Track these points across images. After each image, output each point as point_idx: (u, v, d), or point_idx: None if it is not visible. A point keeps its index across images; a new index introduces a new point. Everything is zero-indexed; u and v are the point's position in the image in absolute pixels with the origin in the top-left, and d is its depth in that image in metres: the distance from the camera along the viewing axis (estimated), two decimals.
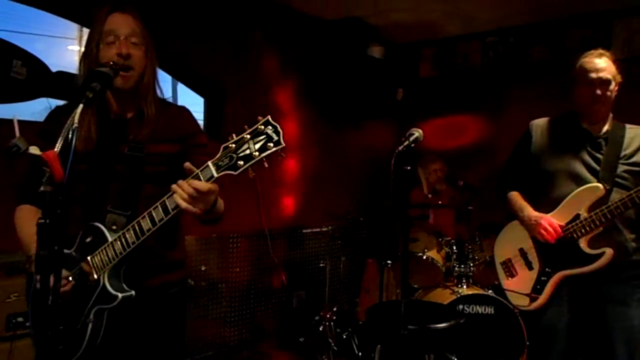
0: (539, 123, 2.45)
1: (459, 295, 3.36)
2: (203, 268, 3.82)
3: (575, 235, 2.22)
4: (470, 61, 4.95)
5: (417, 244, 3.74)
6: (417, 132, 2.06)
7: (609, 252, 2.15)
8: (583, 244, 2.21)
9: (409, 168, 1.99)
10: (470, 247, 3.65)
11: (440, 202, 4.04)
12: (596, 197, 2.19)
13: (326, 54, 4.53)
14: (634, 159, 2.22)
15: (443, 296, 3.44)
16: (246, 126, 1.44)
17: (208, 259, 3.83)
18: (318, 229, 3.78)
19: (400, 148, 2.01)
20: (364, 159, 4.73)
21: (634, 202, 2.09)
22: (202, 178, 1.49)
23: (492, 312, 3.36)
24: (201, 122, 4.05)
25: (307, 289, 4.37)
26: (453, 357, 2.75)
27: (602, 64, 2.24)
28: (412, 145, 2.01)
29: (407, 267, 2.12)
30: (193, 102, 4.37)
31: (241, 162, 1.42)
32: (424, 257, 3.66)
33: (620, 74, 2.29)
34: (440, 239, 3.75)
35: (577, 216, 2.23)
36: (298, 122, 4.33)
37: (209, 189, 1.48)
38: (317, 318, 3.67)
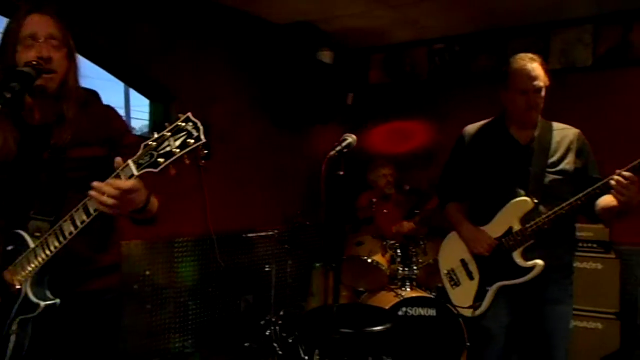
0: (470, 131, 2.46)
1: (402, 298, 3.42)
2: (148, 273, 3.74)
3: (509, 248, 2.28)
4: (417, 68, 5.05)
5: (362, 247, 3.78)
6: (351, 138, 2.07)
7: (539, 265, 2.21)
8: (517, 256, 2.26)
9: (342, 173, 2.01)
10: (414, 250, 3.71)
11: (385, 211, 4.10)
12: (526, 210, 2.24)
13: (277, 59, 4.53)
14: (560, 167, 2.27)
15: (387, 299, 3.48)
16: (167, 124, 1.44)
17: (153, 263, 3.76)
18: (265, 233, 3.76)
19: (332, 153, 2.02)
20: (312, 163, 4.73)
21: (560, 218, 2.16)
22: (122, 177, 1.46)
23: (435, 314, 3.43)
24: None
25: (255, 294, 4.34)
26: None
27: (535, 72, 2.24)
28: (345, 150, 2.03)
29: (339, 272, 2.13)
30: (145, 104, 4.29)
31: (162, 160, 1.41)
32: (369, 261, 3.69)
33: (553, 81, 2.30)
34: (385, 243, 3.80)
35: (510, 230, 2.27)
36: (247, 125, 4.30)
37: (132, 186, 1.45)
38: (262, 323, 3.65)
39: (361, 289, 3.86)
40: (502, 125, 2.38)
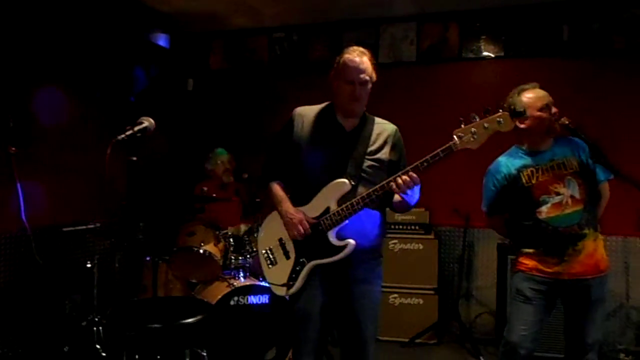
0: (302, 112, 2.48)
1: (233, 287, 3.37)
2: None
3: (324, 227, 2.35)
4: (258, 55, 5.03)
5: (193, 237, 3.66)
6: (148, 122, 1.94)
7: (350, 244, 2.28)
8: (331, 235, 2.32)
9: (134, 159, 1.88)
10: (247, 238, 3.69)
11: (215, 195, 4.02)
12: (343, 191, 2.31)
13: (102, 38, 4.17)
14: (377, 156, 2.39)
15: (219, 289, 3.40)
16: None
17: None
18: (85, 226, 3.46)
19: (120, 137, 1.88)
20: (142, 152, 4.49)
21: (372, 199, 2.27)
22: None
23: (267, 301, 3.44)
24: None
25: (83, 293, 3.99)
26: (202, 352, 2.72)
27: (363, 65, 2.32)
28: (139, 134, 1.90)
29: (141, 266, 2.01)
30: None
31: None
32: (201, 251, 3.59)
33: (382, 74, 2.39)
34: (217, 232, 3.72)
35: (327, 209, 2.32)
36: (67, 110, 3.92)
37: None
38: (84, 324, 3.36)
39: (194, 281, 3.74)
40: (331, 111, 2.45)
